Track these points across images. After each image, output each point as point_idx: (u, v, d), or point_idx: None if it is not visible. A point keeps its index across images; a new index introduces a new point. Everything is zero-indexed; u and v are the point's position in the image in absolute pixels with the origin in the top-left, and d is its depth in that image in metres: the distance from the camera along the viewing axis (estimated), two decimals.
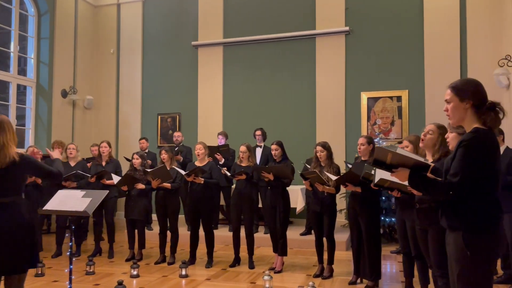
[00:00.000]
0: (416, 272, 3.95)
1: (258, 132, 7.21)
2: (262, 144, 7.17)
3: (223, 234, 6.70)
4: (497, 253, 2.06)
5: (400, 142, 4.41)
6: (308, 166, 4.90)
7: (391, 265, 5.53)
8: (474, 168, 2.00)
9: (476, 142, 2.02)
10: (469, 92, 2.11)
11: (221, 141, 7.43)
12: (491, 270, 2.07)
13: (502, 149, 4.47)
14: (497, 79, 6.97)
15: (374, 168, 3.25)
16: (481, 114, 2.10)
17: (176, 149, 7.64)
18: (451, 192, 2.02)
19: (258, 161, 6.94)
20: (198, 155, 5.48)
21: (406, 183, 2.19)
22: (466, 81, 2.19)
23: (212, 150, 6.69)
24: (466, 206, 2.05)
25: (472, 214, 2.04)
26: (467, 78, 2.24)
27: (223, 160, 6.89)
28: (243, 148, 5.38)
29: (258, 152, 7.13)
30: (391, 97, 8.05)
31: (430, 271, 3.87)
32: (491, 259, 2.03)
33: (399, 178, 2.21)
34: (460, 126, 2.21)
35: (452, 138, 3.05)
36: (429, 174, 2.18)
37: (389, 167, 2.22)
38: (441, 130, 3.26)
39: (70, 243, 3.63)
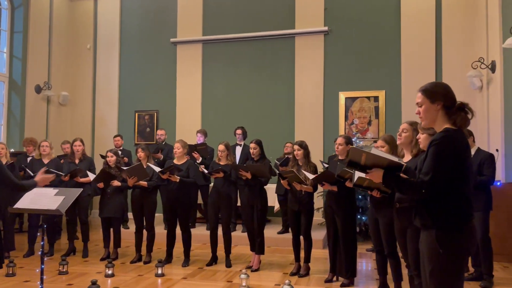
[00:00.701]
0: (390, 270, 4.01)
1: (239, 131, 7.19)
2: (242, 143, 7.16)
3: (200, 233, 6.66)
4: (468, 250, 2.11)
5: (376, 142, 4.48)
6: (277, 162, 4.90)
7: (366, 263, 5.60)
8: (444, 166, 2.06)
9: (447, 141, 2.09)
10: (440, 94, 2.19)
11: (199, 139, 7.39)
12: (463, 267, 2.12)
13: (473, 150, 4.59)
14: (470, 81, 7.15)
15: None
16: (451, 115, 2.18)
17: (156, 146, 7.56)
18: (423, 190, 2.07)
19: (237, 159, 6.93)
20: (176, 153, 5.43)
21: (380, 182, 2.22)
22: (435, 84, 2.27)
23: (189, 149, 6.64)
24: (438, 205, 2.10)
25: (444, 213, 2.09)
26: (435, 81, 2.32)
27: (200, 159, 6.85)
28: (221, 147, 5.35)
29: (238, 150, 7.11)
30: (368, 97, 8.16)
31: (403, 269, 3.94)
32: (462, 256, 2.09)
33: (373, 179, 2.26)
34: (431, 127, 2.27)
35: (423, 139, 3.13)
36: (402, 174, 2.22)
37: (363, 168, 2.25)
38: (414, 126, 3.38)
39: (42, 242, 3.54)
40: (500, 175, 6.21)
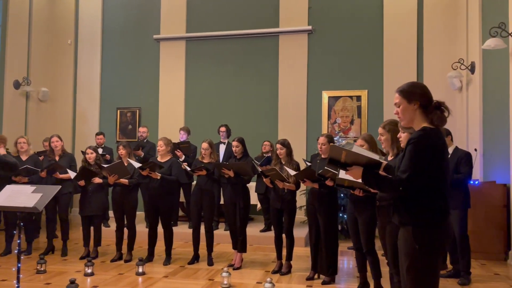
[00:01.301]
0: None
1: (222, 129, 7.17)
2: (226, 141, 7.14)
3: (182, 231, 6.62)
4: (444, 246, 2.16)
5: (356, 141, 4.53)
6: (257, 163, 4.93)
7: (348, 261, 5.65)
8: (422, 164, 2.10)
9: (424, 140, 2.13)
10: (416, 94, 2.24)
11: (182, 136, 7.34)
12: (438, 263, 2.16)
13: (451, 149, 4.68)
14: (450, 81, 7.27)
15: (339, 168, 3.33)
16: (428, 114, 2.22)
17: (137, 143, 7.49)
18: (400, 188, 2.11)
19: (221, 157, 6.91)
20: (159, 151, 5.38)
21: (360, 180, 2.25)
22: (412, 84, 2.31)
23: (172, 147, 6.59)
24: (415, 202, 2.15)
25: (421, 210, 2.14)
26: (412, 81, 2.35)
27: (183, 157, 6.81)
28: (205, 145, 5.32)
29: (222, 148, 7.09)
30: (351, 97, 8.22)
31: (383, 266, 3.99)
32: (438, 252, 2.13)
33: (353, 176, 2.29)
34: (411, 127, 2.31)
35: (404, 138, 3.19)
36: (381, 172, 2.25)
37: (343, 166, 2.28)
38: (388, 126, 3.42)
39: (19, 241, 3.47)
40: (478, 174, 6.34)
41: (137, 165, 5.19)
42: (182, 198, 7.21)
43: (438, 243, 2.11)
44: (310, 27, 8.41)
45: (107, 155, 7.25)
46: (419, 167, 2.09)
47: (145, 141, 7.62)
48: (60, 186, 3.63)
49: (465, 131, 7.09)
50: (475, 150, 6.04)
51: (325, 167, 3.92)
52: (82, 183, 5.39)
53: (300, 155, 6.98)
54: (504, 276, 4.81)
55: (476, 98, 6.65)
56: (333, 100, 8.29)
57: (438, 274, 2.18)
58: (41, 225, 6.94)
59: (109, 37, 9.46)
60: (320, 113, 8.35)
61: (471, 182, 5.04)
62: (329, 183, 4.08)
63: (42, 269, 4.86)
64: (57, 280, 4.59)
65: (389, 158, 3.48)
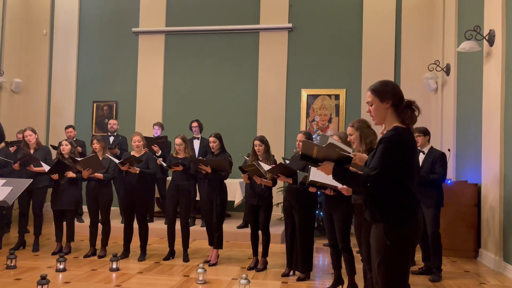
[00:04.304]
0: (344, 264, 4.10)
1: (194, 124, 7.14)
2: (199, 136, 7.11)
3: (158, 227, 6.56)
4: (413, 242, 2.20)
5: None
6: (247, 158, 4.93)
7: (323, 258, 5.70)
8: (391, 163, 2.14)
9: (395, 139, 2.17)
10: (388, 93, 2.26)
11: (156, 131, 7.27)
12: (408, 258, 2.21)
13: (426, 149, 4.78)
14: (426, 82, 7.41)
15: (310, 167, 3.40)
16: (399, 113, 2.25)
17: (111, 140, 7.36)
18: (368, 184, 2.14)
19: (197, 153, 6.87)
20: (137, 146, 5.30)
21: (330, 176, 2.27)
22: (384, 83, 2.33)
23: (149, 141, 6.52)
24: (385, 199, 2.19)
25: (391, 206, 2.18)
26: (384, 80, 2.37)
27: (160, 151, 6.74)
28: (178, 140, 5.27)
29: (196, 144, 7.06)
30: (329, 95, 8.29)
31: (358, 263, 4.04)
32: (408, 248, 2.18)
33: (324, 171, 2.31)
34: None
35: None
36: (351, 168, 2.28)
37: (315, 161, 2.30)
38: (357, 124, 3.46)
39: None
40: (451, 174, 6.49)
41: (116, 160, 5.12)
42: (157, 194, 7.14)
43: (408, 239, 2.15)
44: (290, 25, 8.43)
45: (78, 148, 7.11)
46: (389, 165, 2.13)
47: (115, 133, 7.50)
48: (32, 180, 3.53)
49: (440, 131, 7.25)
50: (449, 150, 6.18)
51: (304, 175, 3.92)
52: (55, 176, 5.26)
53: (278, 152, 7.00)
54: (473, 273, 4.94)
55: (451, 99, 6.80)
56: (311, 98, 8.34)
57: (408, 269, 2.23)
58: (11, 220, 6.76)
59: (86, 29, 9.25)
60: (299, 110, 8.38)
61: (446, 181, 5.16)
62: (312, 190, 4.08)
63: (12, 264, 4.74)
64: (27, 276, 4.48)
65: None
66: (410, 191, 2.20)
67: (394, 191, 2.17)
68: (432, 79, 7.28)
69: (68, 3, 9.26)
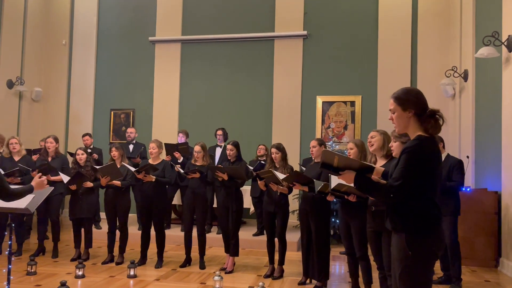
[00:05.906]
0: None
1: (219, 132, 7.15)
2: (223, 144, 7.12)
3: (175, 234, 6.59)
4: (436, 253, 2.16)
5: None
6: (251, 168, 4.92)
7: (340, 266, 5.65)
8: (415, 173, 2.11)
9: (419, 149, 2.13)
10: (411, 102, 2.22)
11: (181, 139, 7.32)
12: (431, 269, 2.17)
13: (443, 156, 4.72)
14: (443, 88, 7.33)
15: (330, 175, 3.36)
16: (422, 122, 2.21)
17: (131, 149, 7.45)
18: (391, 195, 2.12)
19: (217, 160, 6.88)
20: (152, 153, 5.37)
21: (352, 184, 2.26)
22: (407, 90, 2.28)
23: (171, 148, 6.57)
24: (407, 209, 2.16)
25: (414, 217, 2.14)
26: (408, 87, 2.32)
27: (181, 158, 6.78)
28: (197, 147, 5.32)
29: (218, 151, 7.07)
30: (345, 102, 8.26)
31: (374, 271, 4.00)
32: (431, 259, 2.14)
33: (345, 180, 2.29)
34: (403, 134, 2.31)
35: (396, 147, 3.23)
36: (373, 177, 2.26)
37: (336, 170, 2.29)
38: (381, 131, 3.57)
39: (10, 242, 3.44)
40: (469, 181, 6.39)
41: (132, 168, 5.18)
42: (175, 201, 7.18)
43: (431, 250, 2.12)
44: (305, 32, 8.45)
45: (94, 154, 7.21)
46: (412, 176, 2.10)
47: (133, 142, 7.59)
48: (53, 188, 3.60)
49: (458, 138, 7.15)
50: (467, 157, 6.09)
51: (324, 183, 3.90)
52: (74, 187, 5.33)
53: (293, 160, 7.00)
54: (494, 283, 4.84)
55: (469, 105, 6.71)
56: (327, 105, 8.33)
57: (431, 280, 2.19)
58: (32, 226, 6.89)
59: (104, 38, 9.43)
60: (314, 117, 8.38)
61: (463, 189, 5.08)
62: (330, 198, 4.07)
63: (32, 270, 4.82)
64: (47, 282, 4.55)
65: (379, 162, 3.50)
66: (433, 202, 2.16)
67: (417, 201, 2.13)
68: (449, 85, 7.21)
69: (87, 14, 9.46)
